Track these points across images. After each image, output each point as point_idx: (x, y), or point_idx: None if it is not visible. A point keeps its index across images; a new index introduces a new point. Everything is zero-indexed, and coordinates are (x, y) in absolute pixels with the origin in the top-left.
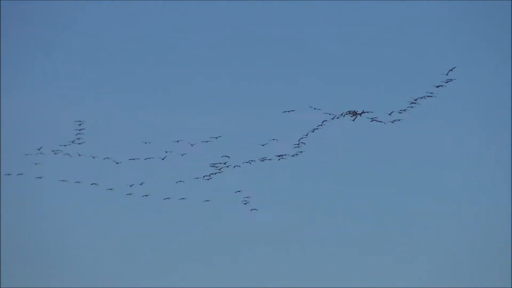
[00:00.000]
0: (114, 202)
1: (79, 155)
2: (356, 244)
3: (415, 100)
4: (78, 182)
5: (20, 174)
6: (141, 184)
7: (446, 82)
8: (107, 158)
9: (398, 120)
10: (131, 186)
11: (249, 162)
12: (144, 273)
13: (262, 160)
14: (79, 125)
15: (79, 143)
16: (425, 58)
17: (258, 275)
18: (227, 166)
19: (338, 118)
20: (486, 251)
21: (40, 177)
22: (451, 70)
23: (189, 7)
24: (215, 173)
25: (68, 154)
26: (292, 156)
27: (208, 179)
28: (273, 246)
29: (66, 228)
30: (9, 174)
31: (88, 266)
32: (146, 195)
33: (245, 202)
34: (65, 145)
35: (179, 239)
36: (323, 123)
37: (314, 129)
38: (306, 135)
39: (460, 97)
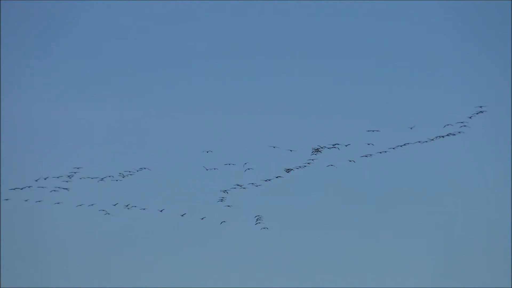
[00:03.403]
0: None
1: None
2: (356, 244)
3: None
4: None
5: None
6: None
7: (472, 116)
8: (83, 178)
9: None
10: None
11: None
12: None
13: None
14: (76, 168)
15: (67, 181)
16: (424, 58)
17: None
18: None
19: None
20: (486, 251)
21: (39, 201)
22: (480, 111)
23: (190, 8)
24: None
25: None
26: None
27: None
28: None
29: (68, 230)
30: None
31: (86, 267)
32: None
33: (257, 222)
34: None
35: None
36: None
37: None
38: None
39: (460, 96)
